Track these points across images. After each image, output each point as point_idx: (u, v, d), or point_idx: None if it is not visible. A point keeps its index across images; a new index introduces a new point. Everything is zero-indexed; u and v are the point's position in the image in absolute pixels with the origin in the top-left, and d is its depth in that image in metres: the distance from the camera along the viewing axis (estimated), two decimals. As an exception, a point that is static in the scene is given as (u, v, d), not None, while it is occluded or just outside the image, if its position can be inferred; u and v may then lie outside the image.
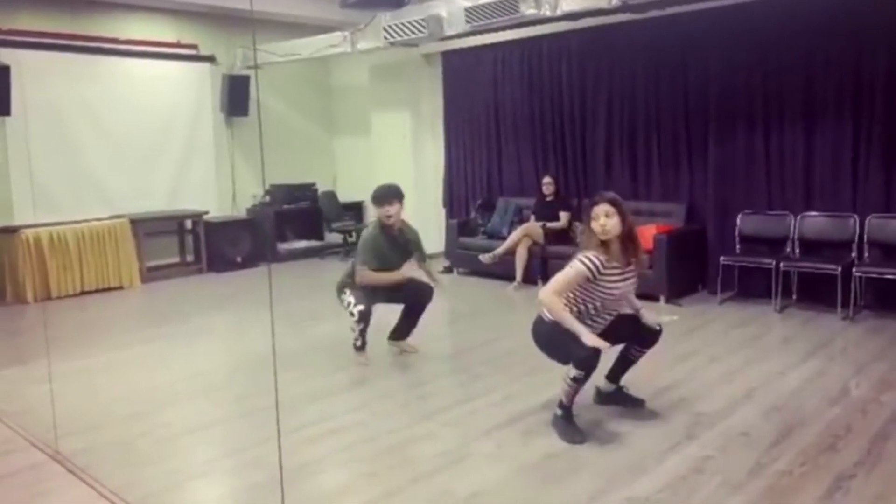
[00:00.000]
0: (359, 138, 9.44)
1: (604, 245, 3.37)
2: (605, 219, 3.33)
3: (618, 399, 3.78)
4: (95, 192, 7.68)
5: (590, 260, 3.34)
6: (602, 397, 3.80)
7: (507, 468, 3.14)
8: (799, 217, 5.88)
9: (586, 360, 3.27)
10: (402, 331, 4.88)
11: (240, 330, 5.89)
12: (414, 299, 4.74)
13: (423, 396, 4.08)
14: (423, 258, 4.81)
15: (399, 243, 4.65)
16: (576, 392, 3.42)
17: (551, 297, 3.35)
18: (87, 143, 7.65)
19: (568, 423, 3.45)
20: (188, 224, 8.41)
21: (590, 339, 3.22)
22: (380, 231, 4.56)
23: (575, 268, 3.35)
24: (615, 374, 3.74)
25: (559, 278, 3.39)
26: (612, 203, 3.38)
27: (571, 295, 3.41)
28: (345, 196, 9.42)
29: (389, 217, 4.50)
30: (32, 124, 7.14)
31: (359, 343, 4.64)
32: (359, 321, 4.55)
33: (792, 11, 5.68)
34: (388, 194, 4.51)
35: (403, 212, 4.61)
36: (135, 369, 4.80)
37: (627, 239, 3.40)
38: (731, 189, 6.23)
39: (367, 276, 4.52)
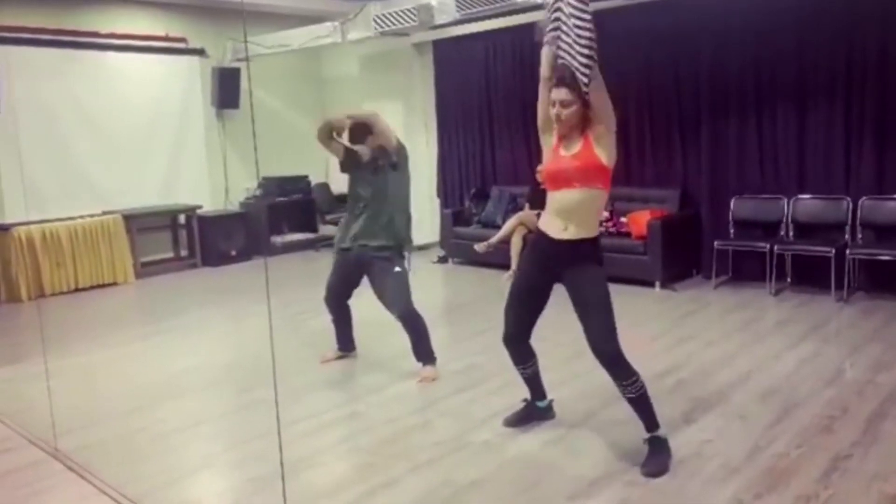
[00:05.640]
0: (351, 129, 9.40)
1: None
2: (559, 108, 2.90)
3: None
4: (87, 189, 7.64)
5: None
6: None
7: (507, 456, 3.15)
8: (792, 200, 5.89)
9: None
10: None
11: (236, 323, 5.88)
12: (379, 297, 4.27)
13: (420, 386, 4.08)
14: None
15: (372, 165, 4.21)
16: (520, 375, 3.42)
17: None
18: (77, 139, 7.60)
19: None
20: (181, 219, 8.39)
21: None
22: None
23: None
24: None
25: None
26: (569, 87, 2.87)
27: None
28: (338, 187, 9.34)
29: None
30: (22, 121, 7.08)
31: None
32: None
33: (783, -6, 5.67)
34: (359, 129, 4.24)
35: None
36: (132, 365, 4.79)
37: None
38: (725, 173, 6.23)
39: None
